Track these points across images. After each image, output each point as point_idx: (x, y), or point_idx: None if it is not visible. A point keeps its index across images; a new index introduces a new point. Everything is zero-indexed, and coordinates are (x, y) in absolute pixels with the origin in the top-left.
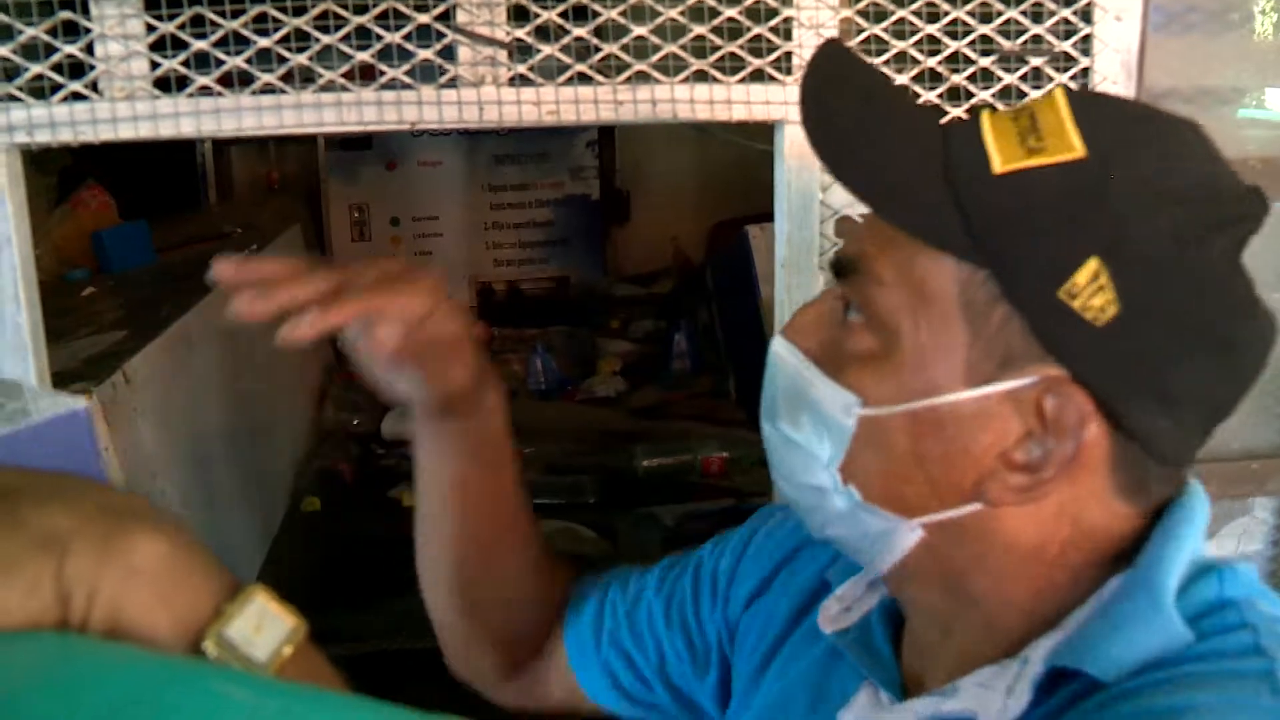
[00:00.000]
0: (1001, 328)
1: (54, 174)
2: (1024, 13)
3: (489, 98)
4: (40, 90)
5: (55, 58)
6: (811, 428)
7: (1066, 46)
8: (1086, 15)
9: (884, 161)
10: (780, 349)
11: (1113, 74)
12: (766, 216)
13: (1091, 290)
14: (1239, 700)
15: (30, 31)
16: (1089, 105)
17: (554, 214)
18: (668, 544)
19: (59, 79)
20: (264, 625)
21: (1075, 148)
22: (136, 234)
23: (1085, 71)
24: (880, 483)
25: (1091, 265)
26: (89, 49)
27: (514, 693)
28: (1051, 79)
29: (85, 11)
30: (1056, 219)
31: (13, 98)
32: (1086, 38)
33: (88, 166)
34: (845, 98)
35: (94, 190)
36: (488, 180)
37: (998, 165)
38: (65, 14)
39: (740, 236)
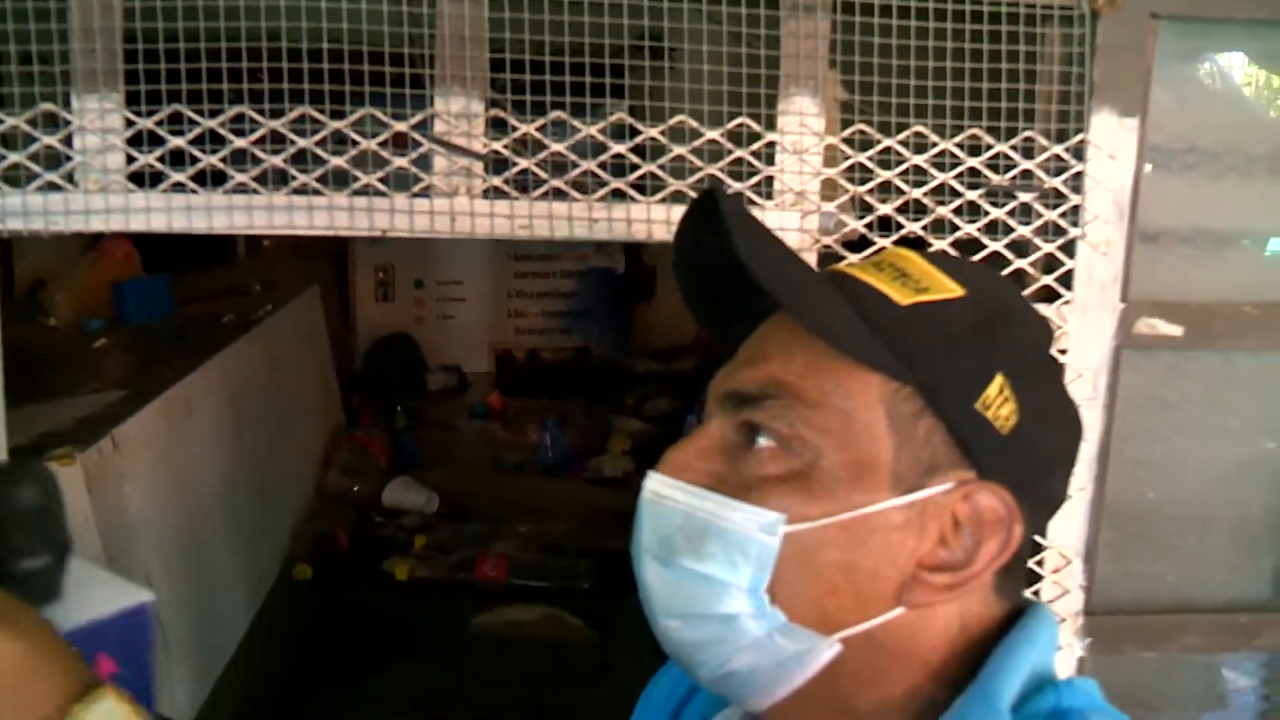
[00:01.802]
0: (927, 438)
1: None
2: (1014, 147)
3: (461, 209)
4: (16, 179)
5: (33, 148)
6: (722, 556)
7: (1057, 183)
8: (1079, 152)
9: (819, 299)
10: (661, 487)
11: (1104, 212)
12: None
13: (1000, 402)
14: None
15: (11, 121)
16: (935, 257)
17: (578, 285)
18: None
19: (35, 168)
20: None
21: (954, 288)
22: (156, 287)
23: (1075, 209)
24: (807, 599)
25: (999, 380)
26: (68, 140)
27: None
28: (1040, 215)
29: (66, 105)
30: (967, 342)
31: None
32: (1078, 175)
33: None
34: (754, 243)
35: (119, 241)
36: (512, 249)
37: (901, 300)
38: (47, 106)
39: None
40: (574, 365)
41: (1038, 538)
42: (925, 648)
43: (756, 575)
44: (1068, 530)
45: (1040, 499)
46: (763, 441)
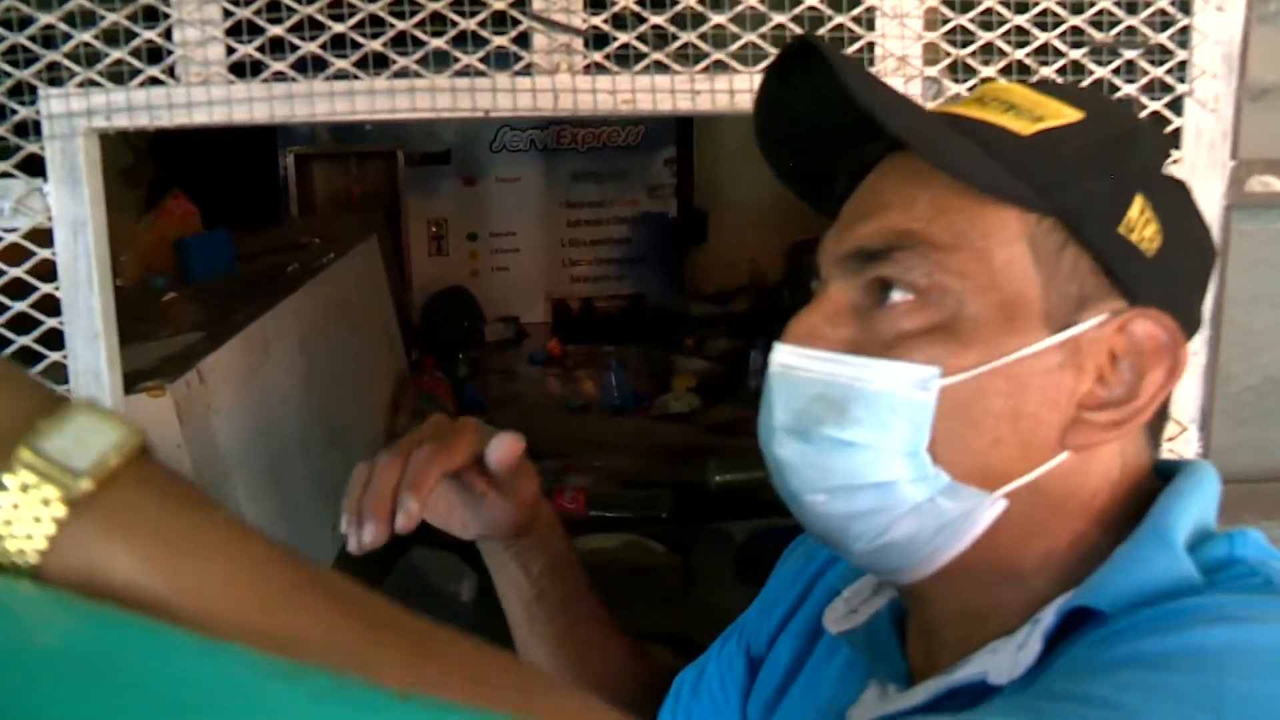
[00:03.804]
0: (1073, 270)
1: (143, 186)
2: (1118, 3)
3: (564, 85)
4: (119, 75)
5: (134, 43)
6: (871, 420)
7: (1163, 39)
8: (1185, 5)
9: (943, 136)
10: (791, 358)
11: (1212, 67)
12: None
13: (1142, 223)
14: (1251, 600)
15: (112, 17)
16: (1037, 85)
17: (631, 232)
18: (738, 560)
19: (137, 64)
20: (86, 437)
21: (1071, 112)
22: (218, 242)
23: (1182, 65)
24: (970, 455)
25: (1139, 200)
26: (167, 34)
27: None
28: (1146, 73)
29: None
30: (1101, 164)
31: (92, 83)
32: (1184, 29)
33: (174, 179)
34: (867, 82)
35: (179, 199)
36: (565, 197)
37: (1021, 130)
38: (146, 0)
39: None
40: (629, 312)
41: None
42: (1088, 493)
43: (913, 436)
44: (1183, 396)
45: (1187, 324)
46: (896, 296)
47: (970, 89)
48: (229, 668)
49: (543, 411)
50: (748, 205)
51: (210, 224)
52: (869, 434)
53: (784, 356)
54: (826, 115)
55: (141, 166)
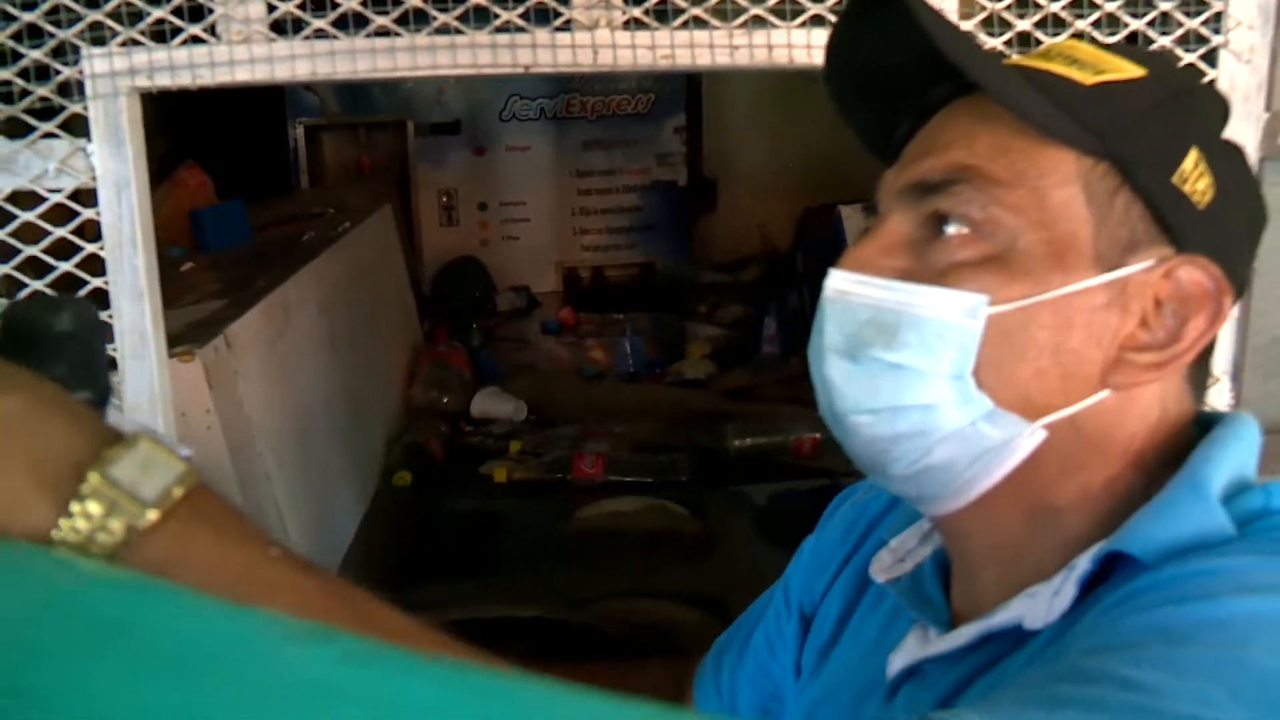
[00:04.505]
0: (1125, 215)
1: (153, 160)
2: None
3: (603, 41)
4: (160, 34)
5: (175, 1)
6: (919, 344)
7: None
8: None
9: (1009, 77)
10: (845, 284)
11: (1248, 18)
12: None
13: (1196, 175)
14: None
15: None
16: (1100, 44)
17: (641, 200)
18: (759, 522)
19: (178, 23)
20: (151, 467)
21: (1133, 68)
22: (233, 213)
23: (1218, 16)
24: (1013, 383)
25: (1194, 154)
26: None
27: None
28: (1181, 24)
29: None
30: (1159, 116)
31: (134, 42)
32: None
33: (185, 153)
34: (939, 21)
35: (192, 170)
36: (575, 166)
37: (1084, 80)
38: None
39: (834, 217)
40: (640, 280)
41: None
42: (1126, 434)
43: (959, 360)
44: (1216, 349)
45: (1234, 280)
46: (952, 229)
47: (1005, 43)
48: (258, 629)
49: (559, 379)
50: (757, 173)
51: (221, 196)
52: (916, 357)
53: (838, 282)
54: (895, 58)
55: (151, 141)
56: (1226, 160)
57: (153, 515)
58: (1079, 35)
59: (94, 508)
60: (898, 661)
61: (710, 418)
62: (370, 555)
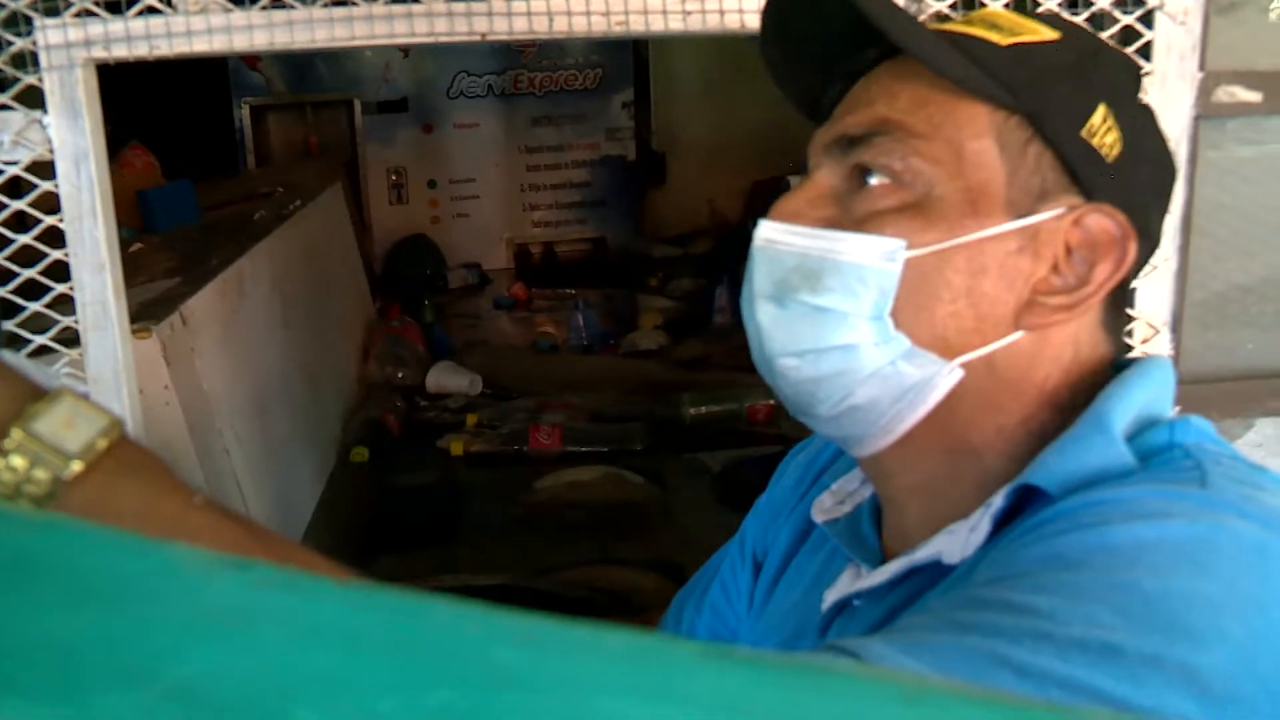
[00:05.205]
0: (1036, 165)
1: None
2: None
3: (558, 8)
4: (116, 5)
5: None
6: (841, 288)
7: None
8: None
9: (928, 38)
10: (773, 233)
11: None
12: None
13: (1104, 130)
14: (1169, 491)
15: None
16: (1027, 13)
17: (590, 175)
18: (715, 488)
19: None
20: (76, 421)
21: (1047, 32)
22: (181, 193)
23: None
24: (929, 323)
25: (1101, 110)
26: None
27: None
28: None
29: None
30: (1069, 74)
31: (89, 13)
32: None
33: (129, 133)
34: None
35: (138, 150)
36: (524, 142)
37: (1000, 41)
38: None
39: (783, 186)
40: (591, 255)
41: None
42: (1040, 374)
43: (878, 302)
44: (1154, 301)
45: (1142, 230)
46: (874, 180)
47: (951, 7)
48: (172, 560)
49: (514, 353)
50: (705, 147)
51: (167, 177)
52: (839, 300)
53: (767, 231)
54: (826, 26)
55: None
56: (1136, 118)
57: (77, 466)
58: (1032, 11)
59: (18, 461)
60: (830, 597)
61: (665, 387)
62: (332, 529)
